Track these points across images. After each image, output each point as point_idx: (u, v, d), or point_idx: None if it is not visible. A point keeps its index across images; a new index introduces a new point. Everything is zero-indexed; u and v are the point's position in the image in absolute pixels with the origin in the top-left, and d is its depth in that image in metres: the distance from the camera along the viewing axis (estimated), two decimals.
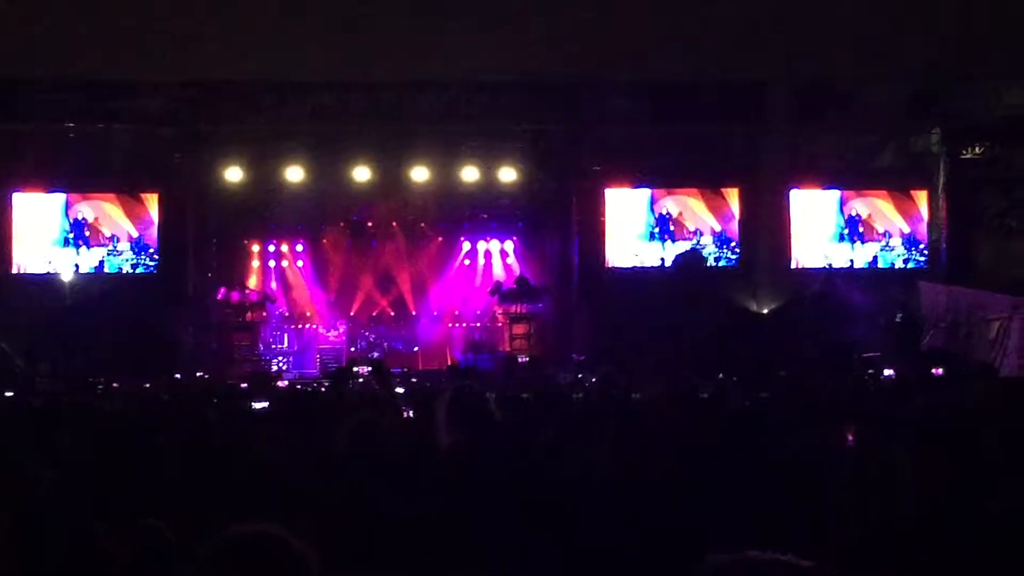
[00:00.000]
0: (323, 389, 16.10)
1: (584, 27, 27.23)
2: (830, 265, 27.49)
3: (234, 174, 26.78)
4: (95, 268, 26.69)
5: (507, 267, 30.01)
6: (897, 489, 4.55)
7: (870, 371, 20.44)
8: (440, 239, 30.06)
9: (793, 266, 27.50)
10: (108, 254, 26.74)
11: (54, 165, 26.55)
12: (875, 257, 27.69)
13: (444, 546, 4.72)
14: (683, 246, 27.17)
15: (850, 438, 7.14)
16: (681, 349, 23.04)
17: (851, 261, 27.61)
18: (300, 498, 5.59)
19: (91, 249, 26.72)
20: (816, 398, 9.89)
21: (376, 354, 27.57)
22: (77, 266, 26.53)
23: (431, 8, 26.97)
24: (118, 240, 26.74)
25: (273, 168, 26.86)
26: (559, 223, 28.61)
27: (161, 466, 7.07)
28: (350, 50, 26.01)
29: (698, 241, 27.28)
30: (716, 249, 27.32)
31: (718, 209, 27.39)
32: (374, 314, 29.75)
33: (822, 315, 25.03)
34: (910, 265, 27.55)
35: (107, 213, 26.77)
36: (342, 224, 29.35)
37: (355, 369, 18.12)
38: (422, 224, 29.70)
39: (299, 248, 29.92)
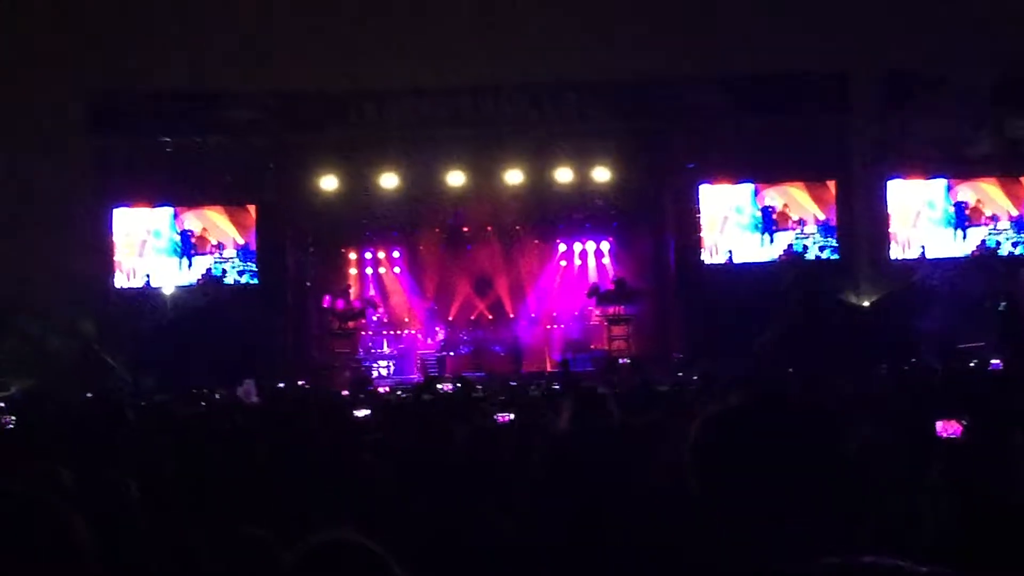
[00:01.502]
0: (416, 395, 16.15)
1: (672, 24, 27.09)
2: (925, 255, 26.97)
3: (329, 183, 26.92)
4: (203, 276, 26.89)
5: (603, 267, 29.93)
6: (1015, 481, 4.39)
7: (974, 361, 20.00)
8: (536, 241, 30.06)
9: (894, 256, 27.03)
10: (216, 262, 26.96)
11: (152, 179, 26.80)
12: (983, 242, 27.09)
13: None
14: (788, 237, 26.85)
15: (957, 430, 6.96)
16: (777, 344, 22.83)
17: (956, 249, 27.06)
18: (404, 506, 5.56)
19: (198, 257, 26.94)
20: (919, 390, 9.69)
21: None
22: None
23: (518, 10, 26.97)
24: (224, 247, 26.97)
25: (367, 176, 26.96)
26: (654, 222, 28.45)
27: (263, 476, 7.08)
28: (439, 55, 26.08)
29: (802, 231, 26.91)
30: (822, 239, 26.90)
31: (821, 198, 27.00)
32: (472, 318, 29.79)
33: (923, 306, 24.57)
34: (1019, 250, 26.95)
35: (213, 222, 27.03)
36: (437, 229, 29.43)
37: (438, 386, 18.10)
38: (517, 227, 29.69)
39: (396, 255, 30.07)
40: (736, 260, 26.90)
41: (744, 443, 2.84)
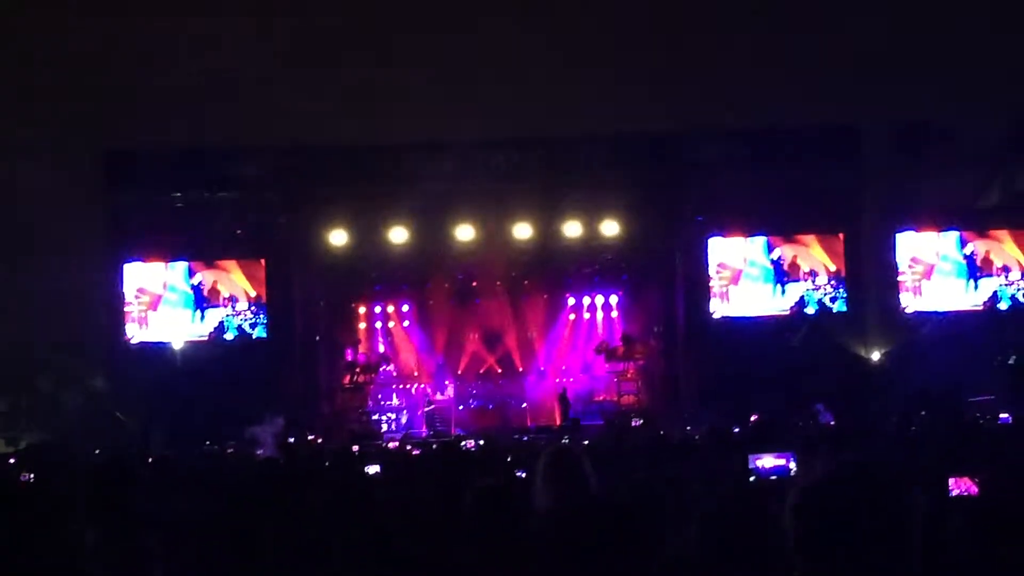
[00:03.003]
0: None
1: (681, 77, 27.25)
2: (936, 308, 26.93)
3: (339, 237, 26.97)
4: (214, 329, 26.93)
5: (612, 321, 29.90)
6: None
7: (983, 416, 19.93)
8: (545, 295, 30.06)
9: (903, 309, 27.01)
10: (228, 315, 27.01)
11: (164, 234, 26.89)
12: (994, 294, 27.04)
13: None
14: (800, 288, 26.85)
15: (971, 488, 6.94)
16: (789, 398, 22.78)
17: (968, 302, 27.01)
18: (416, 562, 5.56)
19: (211, 310, 26.98)
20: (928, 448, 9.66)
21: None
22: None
23: (527, 65, 27.14)
24: (237, 300, 27.02)
25: (377, 230, 26.99)
26: (664, 275, 28.41)
27: (276, 530, 7.08)
28: (449, 110, 26.22)
29: (813, 283, 26.90)
30: (832, 290, 26.90)
31: (832, 249, 27.00)
32: (481, 371, 29.76)
33: (931, 358, 24.53)
34: None
35: (226, 275, 27.07)
36: (447, 284, 29.43)
37: (462, 444, 18.08)
38: (526, 281, 29.69)
39: (405, 308, 30.08)
40: (747, 313, 26.87)
41: (838, 510, 3.00)
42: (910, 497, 3.16)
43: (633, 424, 25.29)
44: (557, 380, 29.46)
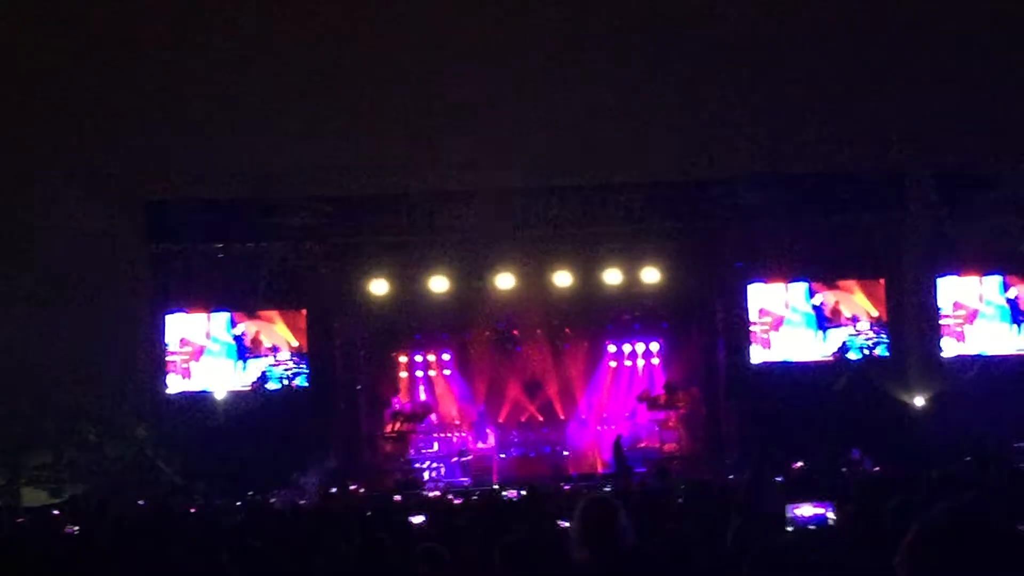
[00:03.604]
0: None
1: (721, 123, 27.31)
2: (980, 353, 26.75)
3: (379, 287, 27.08)
4: (257, 379, 27.04)
5: (653, 368, 29.82)
6: None
7: None
8: (585, 343, 30.01)
9: (945, 355, 26.85)
10: (271, 366, 27.14)
11: (206, 284, 27.07)
12: None
13: None
14: (842, 333, 26.74)
15: None
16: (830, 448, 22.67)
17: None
18: None
19: (253, 360, 27.11)
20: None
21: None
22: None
23: (566, 113, 27.28)
24: (279, 350, 27.14)
25: (417, 279, 27.09)
26: (704, 322, 28.36)
27: None
28: (488, 158, 26.36)
29: (855, 328, 26.78)
30: (874, 336, 26.78)
31: (874, 294, 26.90)
32: (523, 420, 29.70)
33: (974, 404, 24.36)
34: None
35: (268, 326, 27.22)
36: (487, 332, 29.44)
37: (503, 494, 18.07)
38: (567, 329, 29.67)
39: (445, 357, 30.09)
40: (789, 358, 26.78)
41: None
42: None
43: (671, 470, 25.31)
44: (598, 428, 29.31)
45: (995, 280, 27.01)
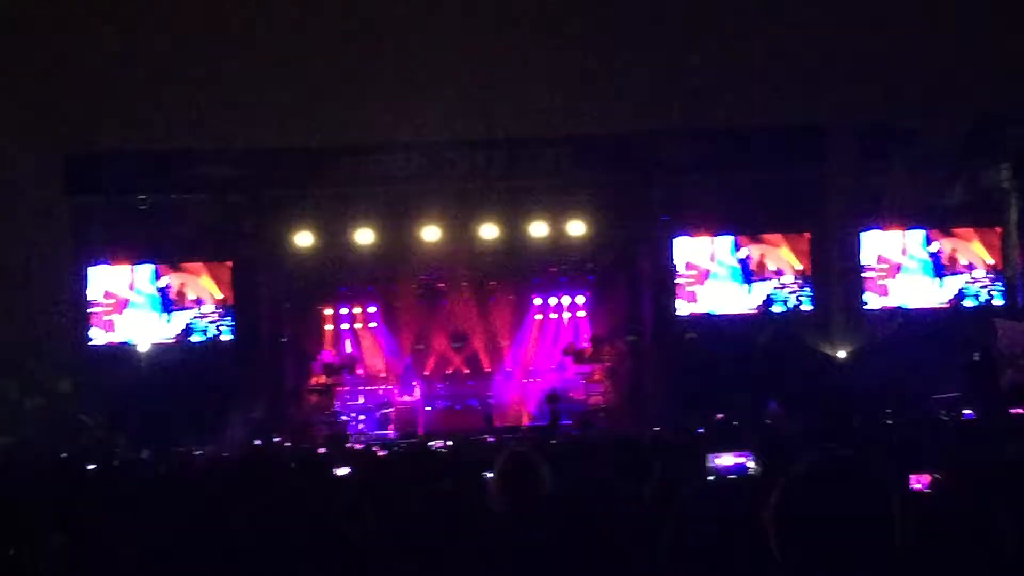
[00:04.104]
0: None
1: (647, 76, 27.34)
2: (901, 306, 27.10)
3: (305, 239, 26.91)
4: (181, 332, 26.82)
5: (579, 321, 29.94)
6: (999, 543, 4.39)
7: (947, 413, 20.10)
8: (511, 296, 30.04)
9: (868, 308, 27.18)
10: (195, 318, 26.90)
11: (128, 237, 26.77)
12: (960, 292, 27.24)
13: None
14: (767, 287, 26.96)
15: (921, 485, 7.01)
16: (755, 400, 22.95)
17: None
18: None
19: (178, 313, 26.87)
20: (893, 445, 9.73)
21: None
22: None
23: (492, 65, 27.16)
24: (203, 303, 26.91)
25: (342, 231, 26.93)
26: (630, 275, 28.48)
27: (243, 534, 7.05)
28: (414, 110, 26.20)
29: (780, 281, 27.00)
30: (799, 289, 27.04)
31: (798, 248, 27.12)
32: (448, 372, 29.73)
33: (896, 356, 24.70)
34: (996, 300, 27.08)
35: (192, 278, 26.98)
36: (413, 285, 29.38)
37: (429, 444, 18.08)
38: (492, 282, 29.68)
39: (371, 310, 30.00)
40: (715, 311, 26.98)
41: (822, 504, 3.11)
42: (889, 491, 3.23)
43: (596, 418, 25.55)
44: (524, 380, 29.41)
45: (918, 234, 27.31)
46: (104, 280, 26.78)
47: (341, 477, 10.82)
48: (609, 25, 28.59)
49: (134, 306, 26.77)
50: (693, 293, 27.07)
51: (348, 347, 29.69)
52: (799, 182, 26.90)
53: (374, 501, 6.96)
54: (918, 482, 7.06)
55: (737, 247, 27.12)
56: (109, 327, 26.67)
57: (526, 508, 5.53)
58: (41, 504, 7.92)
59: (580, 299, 30.05)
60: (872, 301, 27.19)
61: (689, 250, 27.16)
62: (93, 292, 26.67)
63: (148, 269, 26.89)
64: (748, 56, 27.84)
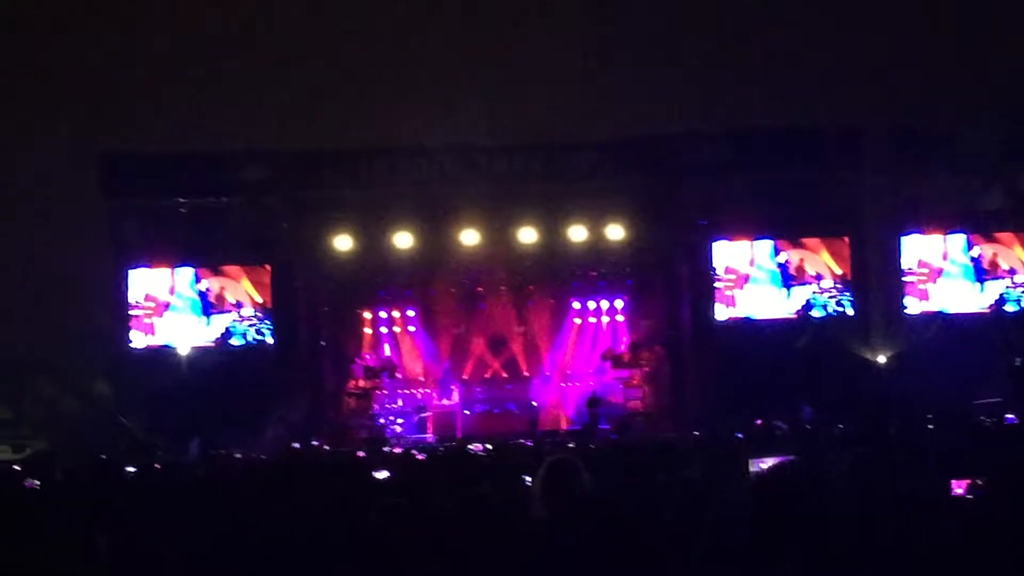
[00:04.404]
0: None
1: (687, 79, 27.25)
2: (942, 311, 26.90)
3: (343, 242, 26.95)
4: (221, 335, 26.94)
5: (618, 326, 29.85)
6: None
7: (990, 418, 19.89)
8: (550, 300, 29.98)
9: (908, 312, 26.97)
10: (234, 322, 27.01)
11: (168, 240, 26.90)
12: (1001, 296, 27.02)
13: None
14: (806, 291, 26.82)
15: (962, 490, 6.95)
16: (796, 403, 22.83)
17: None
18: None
19: (217, 316, 26.98)
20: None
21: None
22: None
23: (530, 69, 27.17)
24: (243, 306, 27.01)
25: (382, 235, 26.95)
26: (669, 279, 28.37)
27: (285, 537, 7.06)
28: (454, 114, 26.22)
29: (819, 286, 26.84)
30: (839, 293, 26.87)
31: (838, 252, 26.96)
32: (487, 376, 29.70)
33: (937, 361, 24.51)
34: None
35: (232, 281, 27.07)
36: (451, 289, 29.36)
37: (468, 447, 18.05)
38: (531, 286, 29.63)
39: (410, 313, 30.02)
40: (754, 316, 26.85)
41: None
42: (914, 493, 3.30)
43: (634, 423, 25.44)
44: (562, 385, 29.35)
45: (959, 238, 27.12)
46: (144, 283, 26.92)
47: (380, 480, 10.83)
48: (644, 28, 28.54)
49: (174, 309, 26.88)
50: (732, 297, 26.94)
51: (387, 351, 29.70)
52: (838, 185, 26.71)
53: (413, 504, 6.94)
54: (959, 487, 7.00)
55: (777, 251, 26.97)
56: (149, 330, 26.79)
57: (565, 513, 5.53)
58: (79, 506, 7.95)
59: (619, 303, 29.97)
60: (912, 306, 26.99)
61: (728, 254, 27.04)
62: (133, 295, 26.80)
63: (188, 272, 27.01)
64: (788, 57, 27.69)
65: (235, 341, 26.94)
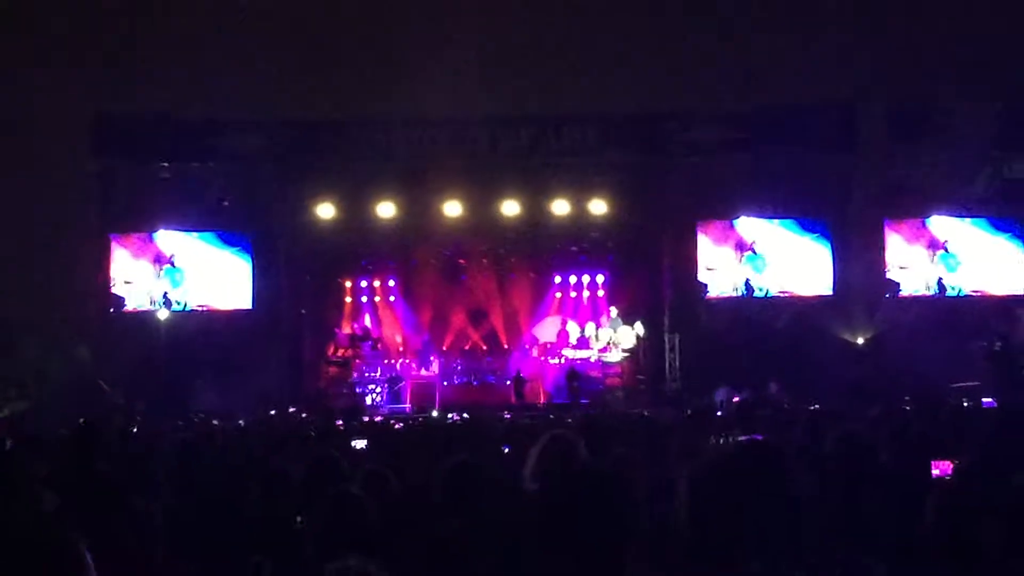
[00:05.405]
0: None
1: (673, 57, 27.23)
2: (924, 293, 27.04)
3: (326, 211, 26.94)
4: (201, 300, 26.95)
5: (598, 300, 29.89)
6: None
7: (966, 401, 20.03)
8: (531, 273, 30.02)
9: (887, 295, 27.08)
10: (215, 286, 27.09)
11: (150, 205, 26.85)
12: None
13: None
14: (787, 271, 26.90)
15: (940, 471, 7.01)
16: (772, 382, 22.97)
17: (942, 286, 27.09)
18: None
19: (197, 281, 27.02)
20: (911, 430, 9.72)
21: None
22: (168, 301, 26.68)
23: (518, 44, 27.12)
24: (224, 272, 27.07)
25: (365, 205, 26.93)
26: (651, 255, 28.43)
27: (258, 503, 7.09)
28: (440, 86, 26.15)
29: (802, 266, 26.94)
30: (820, 274, 26.98)
31: (820, 234, 27.05)
32: (466, 348, 29.74)
33: (917, 343, 24.62)
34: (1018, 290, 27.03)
35: (212, 247, 27.06)
36: (433, 260, 29.37)
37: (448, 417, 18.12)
38: (513, 258, 29.65)
39: (391, 284, 30.04)
40: (734, 295, 26.94)
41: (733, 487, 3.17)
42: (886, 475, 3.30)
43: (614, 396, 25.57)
44: (542, 358, 29.37)
45: (942, 221, 27.20)
46: (126, 247, 26.87)
47: (358, 449, 10.87)
48: (633, 5, 28.51)
49: (155, 274, 26.85)
50: (713, 275, 27.00)
51: (367, 320, 29.71)
52: (823, 167, 26.72)
53: (392, 472, 6.99)
54: (937, 468, 7.06)
55: (759, 231, 27.03)
56: (130, 294, 26.75)
57: (558, 486, 5.58)
58: (58, 469, 7.98)
59: (600, 278, 30.01)
60: (893, 289, 27.08)
61: (711, 232, 27.10)
62: (115, 259, 26.76)
63: (171, 236, 26.96)
64: (774, 37, 27.67)
65: (215, 307, 26.97)
